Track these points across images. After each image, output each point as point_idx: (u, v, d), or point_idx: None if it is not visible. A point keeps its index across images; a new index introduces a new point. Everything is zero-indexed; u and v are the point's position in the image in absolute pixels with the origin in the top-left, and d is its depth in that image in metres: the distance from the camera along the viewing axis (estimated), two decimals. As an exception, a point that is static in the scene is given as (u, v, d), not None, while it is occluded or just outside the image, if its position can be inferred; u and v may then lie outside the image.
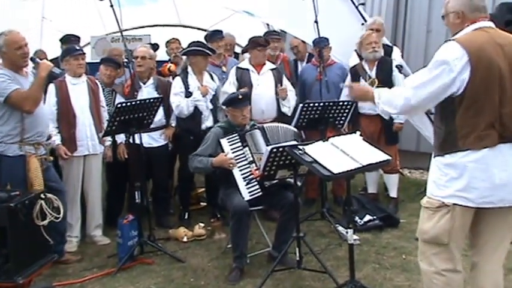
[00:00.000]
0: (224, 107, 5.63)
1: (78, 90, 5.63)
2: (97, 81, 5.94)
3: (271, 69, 6.36)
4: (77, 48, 5.85)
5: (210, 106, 6.15)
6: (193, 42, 6.29)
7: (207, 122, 6.13)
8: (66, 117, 5.53)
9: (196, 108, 6.08)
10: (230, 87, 6.21)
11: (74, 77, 5.64)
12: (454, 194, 3.16)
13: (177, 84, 6.14)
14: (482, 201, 3.13)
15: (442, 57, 3.14)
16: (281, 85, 6.29)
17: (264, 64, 6.35)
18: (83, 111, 5.59)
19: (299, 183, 4.84)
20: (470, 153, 3.11)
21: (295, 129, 5.41)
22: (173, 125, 6.27)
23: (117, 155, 5.98)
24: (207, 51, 6.18)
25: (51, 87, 5.59)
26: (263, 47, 6.30)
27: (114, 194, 6.35)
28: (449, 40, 3.21)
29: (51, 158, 4.98)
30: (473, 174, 3.10)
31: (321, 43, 6.37)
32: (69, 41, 6.65)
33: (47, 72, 4.74)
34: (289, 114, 6.26)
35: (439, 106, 3.26)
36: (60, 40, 6.79)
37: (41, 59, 5.10)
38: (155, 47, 7.36)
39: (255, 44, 6.30)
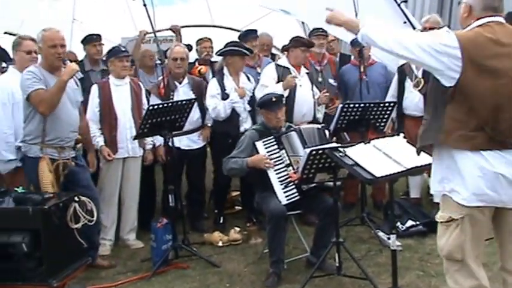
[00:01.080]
0: (258, 109, 5.49)
1: (121, 92, 5.59)
2: (140, 83, 5.89)
3: (306, 73, 6.21)
4: (122, 49, 5.79)
5: (248, 108, 6.03)
6: (230, 42, 6.20)
7: (246, 124, 6.00)
8: (108, 119, 5.51)
9: (233, 110, 5.96)
10: (271, 81, 5.96)
11: (118, 79, 5.60)
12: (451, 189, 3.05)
13: (213, 86, 6.03)
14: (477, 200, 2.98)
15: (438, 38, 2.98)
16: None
17: (301, 67, 6.19)
18: (125, 113, 5.55)
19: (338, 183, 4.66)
20: (454, 152, 2.98)
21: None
22: (209, 124, 6.17)
23: (157, 157, 5.94)
24: (245, 51, 6.06)
25: (94, 88, 5.58)
26: (307, 48, 6.11)
27: (146, 197, 6.24)
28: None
29: (74, 164, 4.84)
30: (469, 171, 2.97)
31: (359, 43, 6.20)
32: (92, 40, 6.60)
33: (69, 76, 4.62)
34: (321, 121, 6.12)
35: (431, 96, 3.13)
36: (82, 42, 6.73)
37: (70, 61, 5.05)
38: (189, 47, 7.25)
39: (299, 43, 6.09)
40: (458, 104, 2.95)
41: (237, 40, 6.51)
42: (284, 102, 5.27)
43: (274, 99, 5.08)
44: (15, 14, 7.37)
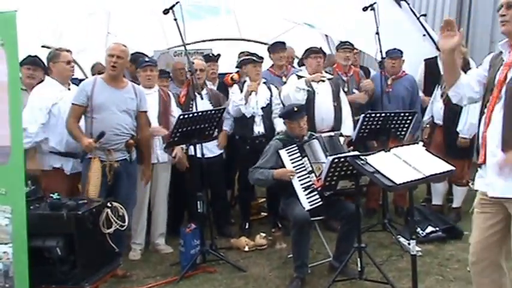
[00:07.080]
0: (281, 119, 5.64)
1: (149, 101, 5.66)
2: (169, 92, 6.05)
3: (328, 79, 6.32)
4: (146, 60, 5.93)
5: (260, 112, 6.21)
6: (242, 52, 6.61)
7: (258, 127, 6.21)
8: None
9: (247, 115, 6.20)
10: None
11: (145, 88, 5.72)
12: None
13: (235, 91, 6.33)
14: None
15: None
16: (338, 97, 6.27)
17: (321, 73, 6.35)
18: (152, 121, 5.66)
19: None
20: None
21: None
22: (227, 129, 6.38)
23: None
24: (255, 58, 6.31)
25: None
26: (317, 54, 6.30)
27: (176, 204, 6.38)
28: None
29: (116, 165, 4.99)
30: None
31: (393, 54, 6.56)
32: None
33: (86, 148, 4.83)
34: (350, 134, 6.11)
35: None
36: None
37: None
38: (217, 57, 7.39)
39: (309, 52, 6.35)
40: None
41: (251, 52, 6.84)
42: (305, 111, 5.43)
43: (296, 109, 5.26)
44: (54, 28, 7.62)
